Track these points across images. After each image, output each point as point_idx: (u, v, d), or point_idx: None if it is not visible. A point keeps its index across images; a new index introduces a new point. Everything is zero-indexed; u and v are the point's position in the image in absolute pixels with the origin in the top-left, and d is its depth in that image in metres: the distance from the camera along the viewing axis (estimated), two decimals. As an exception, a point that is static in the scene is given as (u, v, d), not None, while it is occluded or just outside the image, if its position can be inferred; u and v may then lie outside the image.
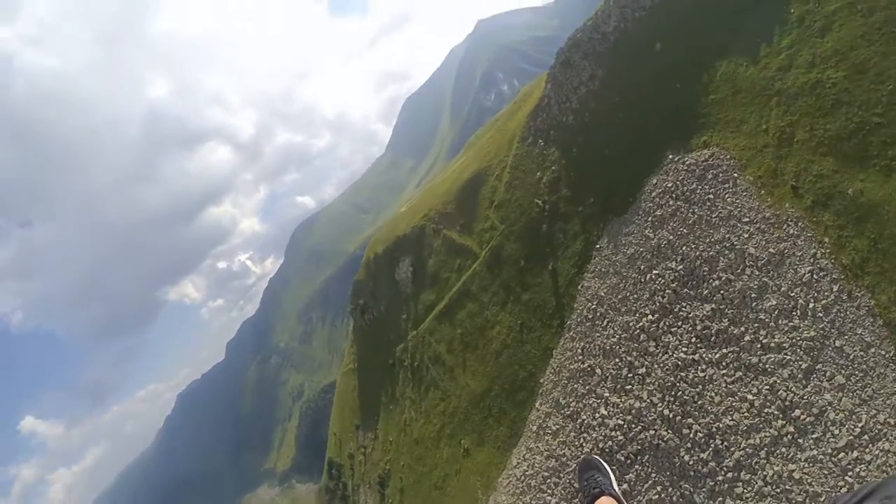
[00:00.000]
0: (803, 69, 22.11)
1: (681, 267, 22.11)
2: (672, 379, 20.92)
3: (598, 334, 26.70)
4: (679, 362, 21.18)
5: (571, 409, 27.88)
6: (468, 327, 40.05)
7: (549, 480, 28.77)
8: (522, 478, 31.53)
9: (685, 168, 25.21)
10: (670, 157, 26.42)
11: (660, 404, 20.96)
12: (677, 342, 21.06)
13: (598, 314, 27.03)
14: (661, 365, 21.45)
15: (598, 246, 28.70)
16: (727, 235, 20.67)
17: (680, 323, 20.86)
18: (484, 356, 37.93)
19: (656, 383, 21.38)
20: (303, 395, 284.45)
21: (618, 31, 32.29)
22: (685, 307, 20.99)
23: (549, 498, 27.86)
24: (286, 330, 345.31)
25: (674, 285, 21.88)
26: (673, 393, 20.75)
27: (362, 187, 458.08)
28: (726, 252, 20.42)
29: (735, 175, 22.72)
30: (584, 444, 25.31)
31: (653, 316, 22.46)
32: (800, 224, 19.29)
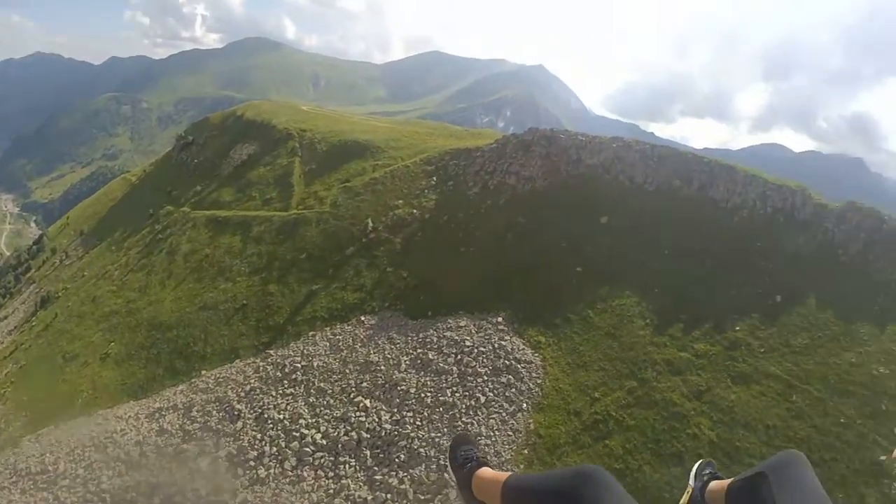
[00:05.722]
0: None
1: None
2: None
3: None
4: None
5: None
6: (218, 254, 32.07)
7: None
8: (111, 435, 25.48)
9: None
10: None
11: None
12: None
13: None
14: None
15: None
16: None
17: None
18: (196, 293, 30.48)
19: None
20: (116, 158, 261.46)
21: None
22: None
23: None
24: (157, 97, 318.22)
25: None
26: None
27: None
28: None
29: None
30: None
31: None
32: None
